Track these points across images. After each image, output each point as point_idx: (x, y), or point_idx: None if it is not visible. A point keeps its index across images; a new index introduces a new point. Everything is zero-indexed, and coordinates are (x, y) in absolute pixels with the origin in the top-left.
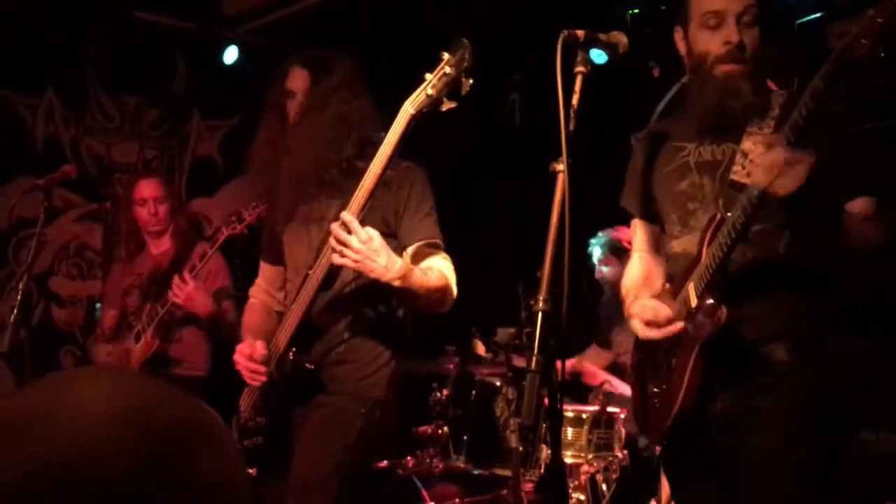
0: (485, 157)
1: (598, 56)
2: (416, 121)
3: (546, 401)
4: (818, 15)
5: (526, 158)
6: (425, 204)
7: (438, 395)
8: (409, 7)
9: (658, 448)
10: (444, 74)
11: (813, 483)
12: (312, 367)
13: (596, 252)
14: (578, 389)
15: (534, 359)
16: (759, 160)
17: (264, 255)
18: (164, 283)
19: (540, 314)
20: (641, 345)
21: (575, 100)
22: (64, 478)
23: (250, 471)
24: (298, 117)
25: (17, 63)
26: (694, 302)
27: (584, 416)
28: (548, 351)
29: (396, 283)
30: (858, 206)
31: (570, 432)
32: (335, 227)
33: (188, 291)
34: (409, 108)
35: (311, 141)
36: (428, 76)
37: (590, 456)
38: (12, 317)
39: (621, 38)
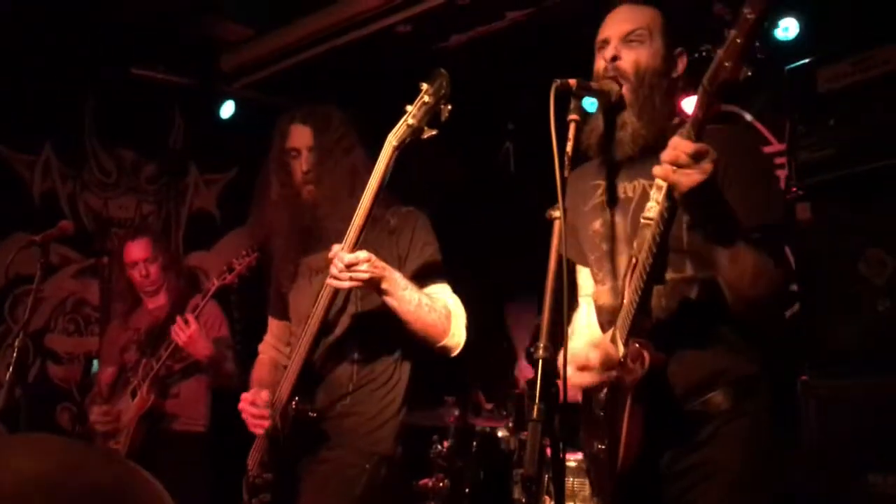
0: (482, 204)
1: (591, 104)
2: (399, 152)
3: (549, 450)
4: (807, 60)
5: (522, 204)
6: (429, 247)
7: (439, 447)
8: (403, 60)
9: None
10: (424, 103)
11: None
12: (315, 415)
13: None
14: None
15: (535, 407)
16: (663, 157)
17: (271, 311)
18: (160, 338)
19: (540, 362)
20: (584, 401)
21: (569, 147)
22: None
23: None
24: (308, 176)
25: (15, 119)
26: (621, 350)
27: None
28: (549, 399)
29: (383, 286)
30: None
31: (573, 482)
32: (334, 259)
33: (190, 333)
34: (392, 141)
35: (331, 197)
36: (408, 107)
37: None
38: (7, 374)
39: (612, 86)
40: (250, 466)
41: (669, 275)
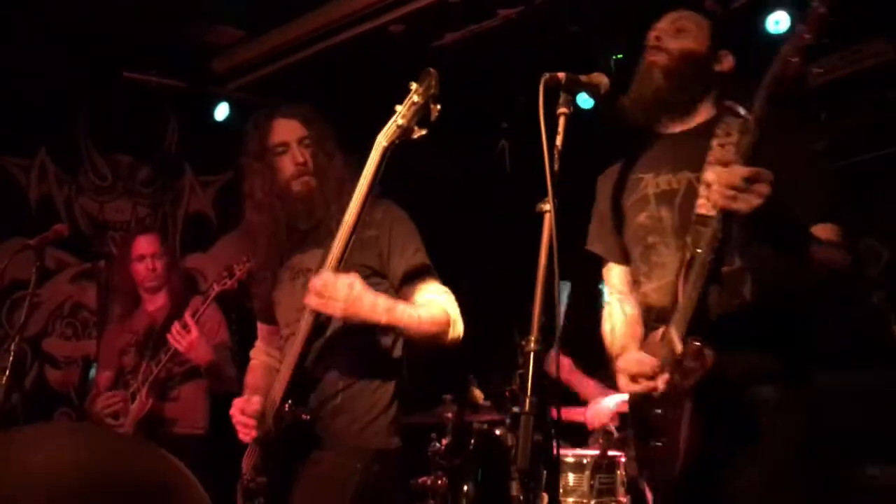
0: (478, 203)
1: (586, 101)
2: (390, 153)
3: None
4: None
5: (519, 203)
6: (411, 240)
7: (437, 444)
8: (396, 59)
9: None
10: (413, 103)
11: None
12: (308, 417)
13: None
14: (579, 433)
15: (527, 401)
16: (718, 181)
17: (259, 316)
18: (158, 341)
19: (532, 355)
20: (634, 398)
21: (559, 141)
22: None
23: None
24: (304, 167)
25: (10, 125)
26: (679, 348)
27: (585, 461)
28: (542, 392)
29: (384, 320)
30: (823, 231)
31: (571, 478)
32: (314, 282)
33: (190, 339)
34: (382, 141)
35: (332, 186)
36: (398, 107)
37: (592, 502)
38: (4, 379)
39: (602, 79)
40: (245, 470)
41: (725, 267)
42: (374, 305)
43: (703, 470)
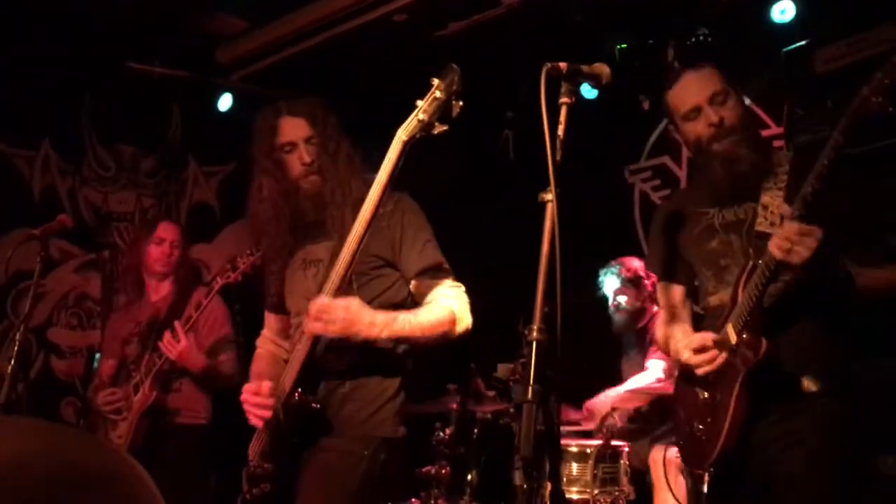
0: (483, 193)
1: (589, 91)
2: (409, 147)
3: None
4: (804, 42)
5: (522, 193)
6: (423, 232)
7: (441, 434)
8: (400, 49)
9: (706, 476)
10: (435, 99)
11: (833, 501)
12: (318, 406)
13: (611, 282)
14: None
15: (530, 389)
16: (779, 233)
17: (268, 305)
18: (162, 331)
19: (534, 344)
20: (683, 382)
21: (561, 130)
22: None
23: None
24: (311, 166)
25: (14, 116)
26: (734, 339)
27: (588, 450)
28: (544, 381)
29: (384, 335)
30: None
31: (574, 468)
32: (311, 306)
33: (180, 349)
34: (401, 136)
35: (338, 185)
36: (419, 102)
37: (596, 491)
38: (9, 368)
39: (604, 69)
40: (251, 456)
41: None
42: (373, 323)
43: (744, 451)
